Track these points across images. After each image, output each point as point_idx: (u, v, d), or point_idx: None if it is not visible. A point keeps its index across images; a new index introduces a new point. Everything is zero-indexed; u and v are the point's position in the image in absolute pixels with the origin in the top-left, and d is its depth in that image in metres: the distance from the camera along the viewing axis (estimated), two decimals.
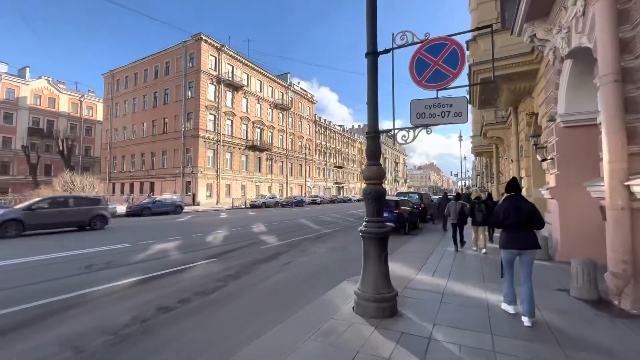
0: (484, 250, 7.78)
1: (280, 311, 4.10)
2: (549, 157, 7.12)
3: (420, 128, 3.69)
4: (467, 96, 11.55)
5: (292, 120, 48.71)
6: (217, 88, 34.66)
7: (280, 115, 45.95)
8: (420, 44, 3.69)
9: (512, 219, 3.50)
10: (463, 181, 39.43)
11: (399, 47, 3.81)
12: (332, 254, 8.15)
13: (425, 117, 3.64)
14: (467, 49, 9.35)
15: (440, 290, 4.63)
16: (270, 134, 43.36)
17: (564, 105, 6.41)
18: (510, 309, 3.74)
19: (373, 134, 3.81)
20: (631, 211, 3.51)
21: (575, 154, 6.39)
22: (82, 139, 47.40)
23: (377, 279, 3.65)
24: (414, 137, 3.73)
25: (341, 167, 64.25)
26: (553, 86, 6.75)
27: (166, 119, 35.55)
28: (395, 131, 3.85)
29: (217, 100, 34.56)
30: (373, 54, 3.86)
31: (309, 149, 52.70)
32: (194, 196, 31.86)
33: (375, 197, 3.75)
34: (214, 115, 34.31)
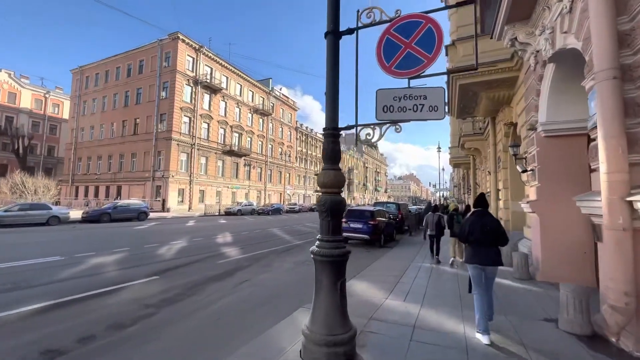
0: (460, 260, 7.80)
1: (213, 351, 3.21)
2: (529, 169, 6.68)
3: (388, 125, 2.98)
4: (446, 102, 11.23)
5: (272, 126, 47.78)
6: (194, 90, 33.29)
7: (261, 120, 44.91)
8: (389, 23, 3.02)
9: (477, 235, 3.56)
10: (441, 192, 39.82)
11: (365, 26, 3.12)
12: (298, 269, 7.29)
13: (394, 111, 2.94)
14: (446, 54, 8.97)
15: (412, 322, 3.88)
16: (249, 139, 42.16)
17: (546, 113, 5.99)
18: (484, 339, 3.39)
19: (332, 132, 3.06)
20: (634, 232, 2.94)
21: (558, 165, 5.95)
22: (44, 137, 44.13)
23: (329, 315, 2.85)
24: (381, 136, 3.01)
25: None
26: (534, 93, 6.35)
27: (137, 120, 33.64)
28: (358, 128, 3.12)
29: (193, 102, 33.14)
30: (333, 34, 3.14)
31: (289, 156, 51.81)
32: (163, 202, 30.01)
33: (331, 209, 2.97)
34: (189, 118, 32.81)
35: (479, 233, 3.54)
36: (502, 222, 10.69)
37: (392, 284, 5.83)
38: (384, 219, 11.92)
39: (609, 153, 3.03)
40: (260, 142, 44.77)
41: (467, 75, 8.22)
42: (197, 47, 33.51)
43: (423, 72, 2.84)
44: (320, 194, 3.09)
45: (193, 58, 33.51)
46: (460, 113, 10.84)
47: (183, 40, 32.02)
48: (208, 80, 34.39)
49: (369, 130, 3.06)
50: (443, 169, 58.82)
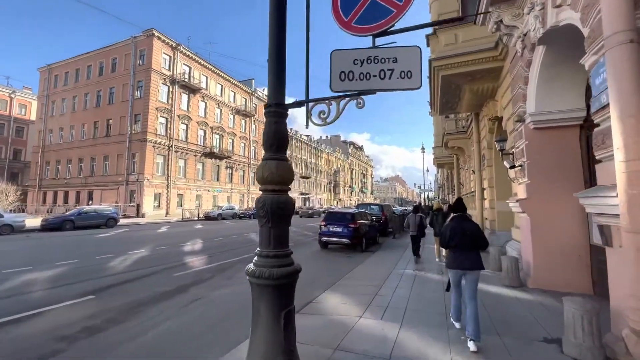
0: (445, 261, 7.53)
1: None
2: (517, 164, 6.12)
3: (347, 98, 2.24)
4: (429, 100, 10.72)
5: (255, 127, 46.60)
6: (171, 89, 31.85)
7: (243, 121, 43.70)
8: None
9: (457, 240, 3.52)
10: (426, 193, 39.79)
11: None
12: None
13: (355, 80, 2.20)
14: (427, 45, 8.41)
15: (387, 352, 3.13)
16: (231, 140, 40.86)
17: (535, 102, 5.44)
18: (457, 325, 3.75)
19: (275, 109, 2.30)
20: None
21: (550, 159, 5.40)
22: (10, 140, 41.31)
23: (269, 358, 2.06)
24: (338, 113, 2.27)
25: (307, 178, 62.83)
26: (521, 81, 5.80)
27: (110, 121, 31.86)
28: (310, 104, 2.36)
29: (170, 102, 31.69)
30: None
31: None
32: (138, 207, 28.38)
33: (272, 214, 2.20)
34: (166, 119, 31.33)
35: (460, 238, 3.49)
36: (487, 223, 10.23)
37: (369, 297, 5.10)
38: (365, 222, 11.23)
39: (627, 137, 2.39)
40: (242, 144, 43.52)
41: (450, 66, 7.66)
42: (173, 45, 32.14)
43: (392, 26, 2.12)
44: (261, 192, 2.31)
45: (170, 56, 32.10)
46: (443, 109, 10.32)
47: (159, 38, 30.61)
48: (186, 80, 33.02)
49: (323, 107, 2.31)
50: (427, 170, 59.22)
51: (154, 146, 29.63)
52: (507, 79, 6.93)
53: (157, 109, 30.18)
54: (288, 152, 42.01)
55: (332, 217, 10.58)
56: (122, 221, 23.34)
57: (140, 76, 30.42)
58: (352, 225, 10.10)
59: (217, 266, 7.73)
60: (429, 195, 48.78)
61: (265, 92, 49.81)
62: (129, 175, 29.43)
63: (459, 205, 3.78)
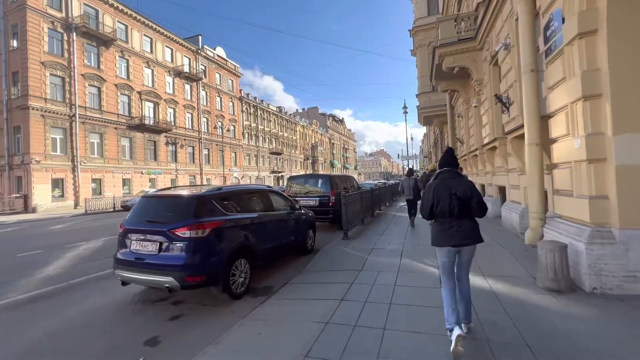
0: None
1: None
2: None
3: None
4: None
5: (206, 94, 38.42)
6: (66, 38, 23.40)
7: (188, 86, 35.40)
8: None
9: (444, 205, 2.54)
10: (410, 160, 33.76)
11: None
12: None
13: None
14: None
15: None
16: (171, 110, 32.82)
17: None
18: (457, 331, 2.27)
19: None
20: None
21: None
22: None
23: None
24: None
25: (279, 154, 55.55)
26: None
27: None
28: None
29: (67, 55, 23.35)
30: None
31: (230, 131, 42.94)
32: (25, 198, 20.91)
33: None
34: (62, 78, 23.10)
35: (447, 200, 2.53)
36: (581, 209, 3.76)
37: None
38: (253, 217, 4.54)
39: None
40: (189, 114, 35.50)
41: None
42: None
43: None
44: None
45: None
46: None
47: None
48: (89, 26, 24.46)
49: None
50: (412, 139, 53.08)
51: (43, 115, 21.64)
52: None
53: (42, 63, 21.86)
54: (251, 124, 33.84)
55: (142, 213, 3.82)
56: None
57: (15, 18, 21.78)
58: (195, 236, 3.41)
59: None
60: (413, 166, 42.95)
61: (217, 52, 40.94)
62: (11, 157, 21.63)
63: (449, 157, 2.73)
